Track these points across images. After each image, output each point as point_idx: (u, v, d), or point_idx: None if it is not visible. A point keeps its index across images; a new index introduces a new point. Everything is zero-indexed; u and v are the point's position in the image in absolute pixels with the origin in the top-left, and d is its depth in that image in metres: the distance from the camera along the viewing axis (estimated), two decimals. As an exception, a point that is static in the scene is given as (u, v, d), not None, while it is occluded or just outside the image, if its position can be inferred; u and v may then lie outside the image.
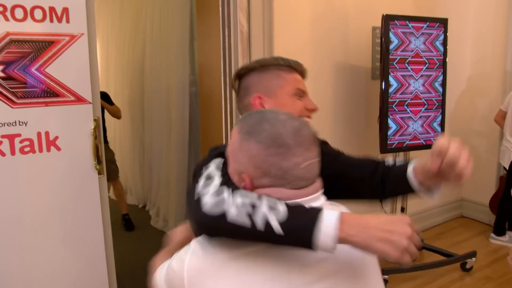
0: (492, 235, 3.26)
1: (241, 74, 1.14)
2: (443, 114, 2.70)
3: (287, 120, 0.80)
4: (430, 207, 3.53)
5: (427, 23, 2.57)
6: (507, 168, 3.06)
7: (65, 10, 1.58)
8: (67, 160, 1.67)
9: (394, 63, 2.47)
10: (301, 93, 1.10)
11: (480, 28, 3.53)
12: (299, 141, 0.78)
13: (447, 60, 2.69)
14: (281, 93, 1.08)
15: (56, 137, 1.63)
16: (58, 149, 1.64)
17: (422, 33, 2.54)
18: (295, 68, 1.13)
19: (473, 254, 2.75)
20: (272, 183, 0.78)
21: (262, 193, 0.77)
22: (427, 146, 2.69)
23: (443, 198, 3.66)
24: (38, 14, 1.53)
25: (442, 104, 2.69)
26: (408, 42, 2.50)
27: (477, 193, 3.69)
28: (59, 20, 1.58)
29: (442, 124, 2.72)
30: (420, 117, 2.63)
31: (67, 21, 1.60)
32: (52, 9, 1.56)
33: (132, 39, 3.98)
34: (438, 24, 2.60)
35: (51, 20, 1.56)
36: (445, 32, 2.63)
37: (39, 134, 1.59)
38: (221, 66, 2.10)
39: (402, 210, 2.89)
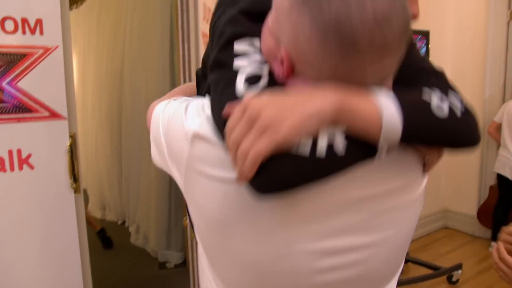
0: (493, 244, 3.25)
1: None
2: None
3: None
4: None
5: (409, 36, 2.58)
6: (511, 179, 3.07)
7: (39, 22, 1.51)
8: (41, 179, 1.58)
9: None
10: None
11: (460, 41, 3.58)
12: (379, 42, 0.48)
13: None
14: None
15: (29, 155, 1.54)
16: (31, 167, 1.55)
17: (405, 46, 2.55)
18: None
19: (459, 267, 2.74)
20: (317, 78, 0.52)
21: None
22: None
23: (426, 209, 3.66)
24: (9, 25, 1.45)
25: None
26: (391, 54, 2.50)
27: (459, 203, 3.71)
28: (32, 32, 1.50)
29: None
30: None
31: (41, 33, 1.52)
32: (24, 20, 1.48)
33: (110, 51, 3.90)
34: (420, 36, 2.61)
35: (24, 32, 1.48)
36: (427, 44, 2.64)
37: (10, 152, 1.50)
38: (181, 81, 1.98)
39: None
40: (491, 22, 3.37)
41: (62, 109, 1.59)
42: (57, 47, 1.55)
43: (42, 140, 1.57)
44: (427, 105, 0.54)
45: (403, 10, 0.50)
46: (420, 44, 2.61)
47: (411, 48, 0.62)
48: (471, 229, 3.61)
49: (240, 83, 0.55)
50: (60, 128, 1.60)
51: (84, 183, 4.74)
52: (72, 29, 4.20)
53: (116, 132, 3.96)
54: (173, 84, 3.17)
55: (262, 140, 0.47)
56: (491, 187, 3.40)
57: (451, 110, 0.55)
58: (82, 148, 4.57)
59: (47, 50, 1.53)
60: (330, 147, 0.49)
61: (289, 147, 0.48)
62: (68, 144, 1.61)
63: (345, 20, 0.47)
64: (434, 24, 3.32)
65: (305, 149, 0.48)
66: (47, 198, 1.60)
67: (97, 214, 4.22)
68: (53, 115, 1.58)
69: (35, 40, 1.51)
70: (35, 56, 1.51)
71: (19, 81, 1.49)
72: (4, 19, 1.44)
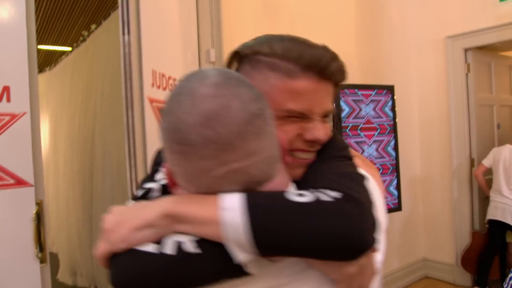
0: None
1: (233, 58, 0.72)
2: (398, 177, 2.75)
3: (204, 98, 0.52)
4: (393, 270, 3.49)
5: (375, 91, 2.67)
6: None
7: (6, 89, 1.50)
8: (4, 250, 1.50)
9: (347, 130, 2.52)
10: (295, 115, 0.67)
11: (424, 94, 3.74)
12: (209, 136, 0.51)
13: (397, 124, 2.79)
14: None
15: (-8, 225, 1.48)
16: (-6, 238, 1.48)
17: (371, 100, 2.64)
18: (307, 65, 0.65)
19: (441, 319, 2.69)
20: (184, 186, 0.58)
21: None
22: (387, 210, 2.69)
23: (405, 260, 3.63)
24: (-24, 93, 1.44)
25: (396, 168, 2.74)
26: (358, 109, 2.57)
27: (437, 252, 3.70)
28: (-1, 99, 1.49)
29: (398, 187, 2.75)
30: (377, 181, 2.65)
31: (8, 100, 1.51)
32: (-9, 88, 1.47)
33: (82, 111, 3.89)
34: (385, 91, 2.71)
35: (-10, 99, 1.47)
36: (393, 98, 2.74)
37: (-29, 222, 1.44)
38: (126, 149, 1.95)
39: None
40: (451, 75, 3.54)
41: (28, 176, 1.55)
42: (24, 113, 1.54)
43: (7, 208, 1.51)
44: (283, 201, 0.53)
45: (244, 106, 0.52)
46: (386, 98, 2.71)
47: (327, 161, 0.67)
48: (452, 277, 3.59)
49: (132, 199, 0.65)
50: (26, 196, 1.55)
51: (55, 247, 4.56)
52: (46, 89, 4.18)
53: (87, 194, 3.87)
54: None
55: (101, 244, 0.57)
56: (474, 233, 3.38)
57: (317, 201, 0.53)
58: (53, 211, 4.44)
59: (14, 117, 1.52)
60: (179, 248, 0.53)
61: (131, 252, 0.55)
62: (34, 211, 1.56)
63: (178, 122, 0.52)
64: (398, 79, 3.47)
65: (146, 249, 0.54)
66: (10, 269, 1.52)
67: (67, 280, 4.03)
68: (20, 182, 1.53)
69: (2, 107, 1.49)
70: (1, 123, 1.49)
71: (-16, 149, 1.46)
72: (-29, 87, 1.43)
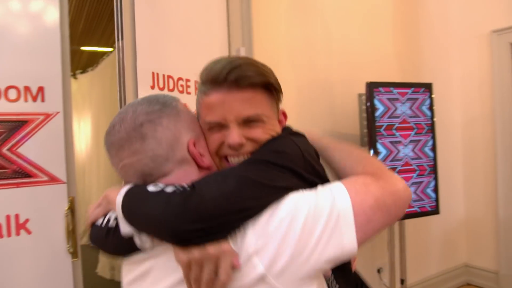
0: None
1: None
2: (436, 179, 2.63)
3: (117, 114, 0.78)
4: (432, 275, 3.36)
5: (412, 89, 2.57)
6: None
7: (41, 89, 1.56)
8: (38, 244, 1.57)
9: (381, 130, 2.44)
10: (214, 126, 0.80)
11: (467, 91, 3.57)
12: (111, 141, 0.76)
13: (437, 124, 2.67)
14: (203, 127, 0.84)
15: (27, 220, 1.54)
16: (29, 232, 1.54)
17: (408, 99, 2.54)
18: (210, 81, 0.79)
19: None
20: None
21: None
22: (422, 214, 2.59)
23: (445, 265, 3.49)
24: (12, 94, 1.51)
25: (434, 169, 2.63)
26: (394, 108, 2.48)
27: (480, 258, 3.53)
28: (34, 99, 1.55)
29: (436, 190, 2.64)
30: (413, 183, 2.56)
31: (42, 100, 1.56)
32: (27, 88, 1.53)
33: (121, 111, 4.00)
34: (423, 89, 2.61)
35: (26, 99, 1.53)
36: (431, 96, 2.63)
37: (8, 217, 1.50)
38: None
39: (402, 282, 2.73)
40: (496, 72, 3.36)
41: (61, 174, 1.60)
42: (57, 113, 1.59)
43: (41, 205, 1.57)
44: (143, 189, 0.70)
45: (134, 117, 0.74)
46: (423, 96, 2.60)
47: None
48: (496, 285, 3.41)
49: None
50: (59, 192, 1.60)
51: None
52: (88, 89, 4.33)
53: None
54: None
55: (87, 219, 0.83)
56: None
57: (158, 191, 0.68)
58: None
59: (48, 116, 1.57)
60: (108, 221, 0.76)
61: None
62: (67, 208, 1.61)
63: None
64: (439, 76, 3.32)
65: (99, 222, 0.79)
66: (44, 263, 1.58)
67: (106, 274, 4.16)
68: (53, 179, 1.59)
69: (36, 107, 1.55)
70: (36, 122, 1.55)
71: (19, 147, 1.52)
72: (8, 88, 1.50)
